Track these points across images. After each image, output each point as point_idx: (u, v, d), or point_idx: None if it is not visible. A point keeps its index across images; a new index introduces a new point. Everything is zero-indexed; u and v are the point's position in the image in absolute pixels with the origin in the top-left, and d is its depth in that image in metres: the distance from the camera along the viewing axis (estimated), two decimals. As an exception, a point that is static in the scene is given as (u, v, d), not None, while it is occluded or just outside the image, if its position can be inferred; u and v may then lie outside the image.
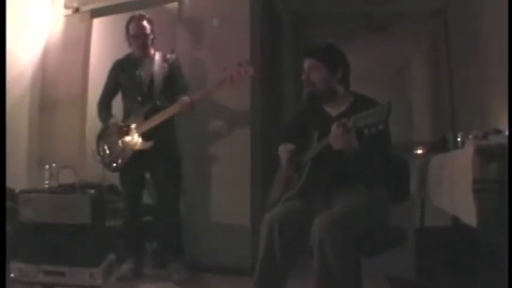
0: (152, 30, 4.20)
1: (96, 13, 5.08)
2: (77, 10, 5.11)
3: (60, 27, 5.14)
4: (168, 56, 4.23)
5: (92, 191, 3.50)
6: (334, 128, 2.47)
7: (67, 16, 5.14)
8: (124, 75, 4.19)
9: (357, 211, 2.57)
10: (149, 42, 4.19)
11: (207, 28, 4.55)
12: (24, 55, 4.83)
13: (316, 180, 2.79)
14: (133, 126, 4.00)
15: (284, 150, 2.98)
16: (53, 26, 5.14)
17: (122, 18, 4.78)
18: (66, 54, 5.07)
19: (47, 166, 3.76)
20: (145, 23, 4.15)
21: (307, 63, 2.93)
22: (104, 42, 5.02)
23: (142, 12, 4.22)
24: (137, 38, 4.13)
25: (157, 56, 4.21)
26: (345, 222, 2.44)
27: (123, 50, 4.33)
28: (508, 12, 3.34)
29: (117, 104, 4.29)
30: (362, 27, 7.20)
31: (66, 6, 5.13)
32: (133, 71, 4.16)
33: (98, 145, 4.14)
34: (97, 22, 5.12)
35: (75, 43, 5.07)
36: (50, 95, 5.02)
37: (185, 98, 3.90)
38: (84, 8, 5.09)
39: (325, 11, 6.59)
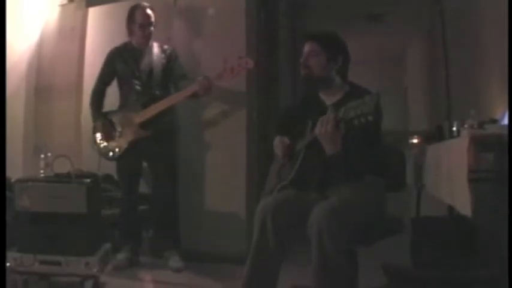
0: (155, 19, 4.19)
1: (92, 2, 5.05)
2: (72, -1, 5.10)
3: (56, 16, 5.13)
4: (166, 46, 4.23)
5: (88, 180, 3.48)
6: (322, 119, 2.47)
7: (62, 5, 5.13)
8: (122, 63, 4.17)
9: (354, 200, 2.57)
10: (153, 31, 4.17)
11: (202, 18, 4.54)
12: (20, 44, 4.81)
13: (310, 169, 2.79)
14: (131, 115, 4.01)
15: (279, 144, 2.99)
16: (48, 15, 5.12)
17: (117, 7, 4.77)
18: (61, 43, 5.06)
19: (42, 155, 3.75)
20: (150, 11, 4.13)
21: (307, 47, 2.89)
22: (100, 32, 5.00)
23: (143, 2, 4.20)
24: (145, 26, 4.11)
25: (155, 46, 4.20)
26: (344, 212, 2.45)
27: (118, 38, 4.32)
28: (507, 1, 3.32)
29: (113, 93, 4.29)
30: (359, 16, 7.20)
31: (62, -4, 5.12)
32: (131, 60, 4.15)
33: (94, 134, 4.14)
34: (92, 11, 5.09)
35: (71, 32, 5.06)
36: (46, 84, 5.01)
37: (202, 79, 3.89)
38: (80, -3, 5.08)
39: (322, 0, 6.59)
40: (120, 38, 4.28)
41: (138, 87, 4.09)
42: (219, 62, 3.94)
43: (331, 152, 2.51)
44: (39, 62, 5.05)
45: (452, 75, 5.70)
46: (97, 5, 5.06)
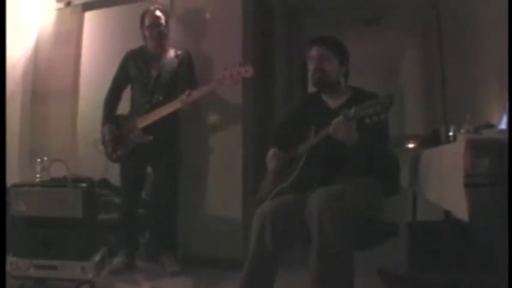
0: (166, 22, 4.20)
1: (88, 6, 5.05)
2: (68, 3, 5.09)
3: (52, 20, 5.12)
4: (179, 51, 4.22)
5: (84, 185, 3.48)
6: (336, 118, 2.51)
7: (59, 9, 5.12)
8: (134, 67, 4.19)
9: (354, 194, 2.58)
10: (165, 33, 4.18)
11: (199, 22, 4.54)
12: (16, 48, 4.79)
13: (311, 173, 2.80)
14: (136, 119, 4.01)
15: (272, 158, 3.01)
16: (44, 19, 5.12)
17: (113, 11, 4.77)
18: (57, 47, 5.06)
19: (38, 159, 3.75)
20: (160, 13, 4.16)
21: (317, 51, 2.94)
22: (96, 36, 4.99)
23: (156, 4, 4.23)
24: (153, 27, 4.13)
25: (170, 51, 4.21)
26: (343, 197, 2.50)
27: (114, 43, 4.34)
28: (507, 3, 3.31)
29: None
30: (355, 20, 7.19)
31: (58, 0, 5.11)
32: (143, 63, 4.17)
33: (101, 135, 4.15)
34: (89, 15, 5.09)
35: (67, 36, 5.05)
36: (42, 88, 5.00)
37: (186, 96, 3.90)
38: (76, 2, 5.07)
39: (319, 4, 6.58)
40: (116, 42, 4.30)
41: (145, 92, 4.10)
42: (216, 66, 3.94)
43: (347, 140, 2.56)
44: (35, 66, 5.04)
45: (448, 80, 5.71)
46: (93, 9, 5.06)
